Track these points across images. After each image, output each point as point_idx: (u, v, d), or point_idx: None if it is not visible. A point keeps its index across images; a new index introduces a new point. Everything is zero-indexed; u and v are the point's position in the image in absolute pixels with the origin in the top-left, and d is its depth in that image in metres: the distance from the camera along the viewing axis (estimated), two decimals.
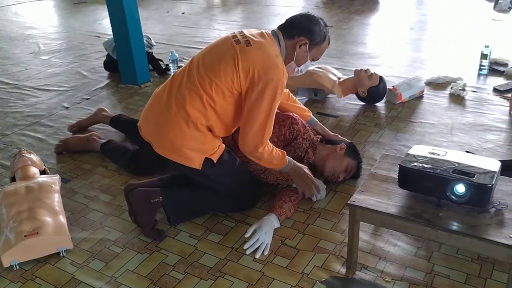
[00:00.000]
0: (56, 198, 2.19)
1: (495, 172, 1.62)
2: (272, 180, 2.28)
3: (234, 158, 2.16)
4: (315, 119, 2.55)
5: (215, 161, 2.05)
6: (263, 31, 2.07)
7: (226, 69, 1.94)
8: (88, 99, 3.61)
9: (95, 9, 6.69)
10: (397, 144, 2.74)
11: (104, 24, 5.54)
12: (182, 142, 2.00)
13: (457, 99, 3.27)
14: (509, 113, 3.02)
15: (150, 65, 3.98)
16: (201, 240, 2.07)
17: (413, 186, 1.71)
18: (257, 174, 2.27)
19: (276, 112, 2.36)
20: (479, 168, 1.64)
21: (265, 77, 1.91)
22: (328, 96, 3.37)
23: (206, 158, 2.02)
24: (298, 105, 2.48)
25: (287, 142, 2.31)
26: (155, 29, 5.49)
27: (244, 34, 2.02)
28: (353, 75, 3.18)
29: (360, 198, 1.75)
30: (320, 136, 2.45)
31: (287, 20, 2.09)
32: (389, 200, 1.73)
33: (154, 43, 4.11)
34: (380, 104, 3.24)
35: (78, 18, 6.31)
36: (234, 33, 2.07)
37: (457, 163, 1.68)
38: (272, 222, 2.06)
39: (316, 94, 3.31)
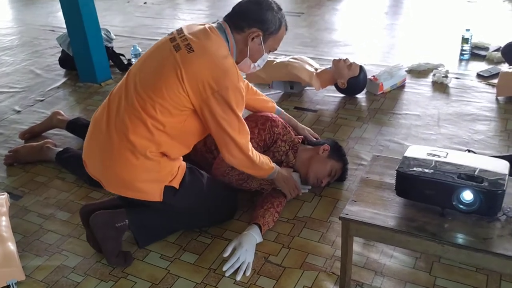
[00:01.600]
0: (4, 222, 1.90)
1: (505, 175, 1.43)
2: (256, 186, 2.04)
3: (200, 175, 1.88)
4: (281, 109, 2.31)
5: (177, 187, 1.76)
6: (207, 26, 1.76)
7: (168, 86, 1.64)
8: (42, 100, 3.27)
9: (49, 0, 6.25)
10: (383, 139, 2.54)
11: (59, 17, 5.10)
12: (132, 176, 1.70)
13: (441, 87, 3.10)
14: (496, 99, 2.88)
15: (110, 61, 3.66)
16: (174, 262, 1.82)
17: (413, 194, 1.51)
18: (239, 184, 2.03)
19: (253, 114, 2.13)
20: (487, 171, 1.45)
21: (218, 87, 1.63)
22: (305, 88, 3.15)
23: (165, 186, 1.74)
24: (260, 97, 2.22)
25: (267, 147, 2.07)
26: (115, 20, 5.13)
27: (184, 36, 1.70)
28: (331, 66, 2.96)
29: (353, 210, 1.54)
30: (301, 136, 2.22)
31: (234, 8, 1.79)
32: (386, 210, 1.53)
33: (114, 37, 3.78)
34: (361, 96, 3.04)
35: (31, 11, 5.87)
36: (172, 33, 1.76)
37: (461, 166, 1.49)
38: (253, 237, 1.83)
39: (293, 87, 3.09)
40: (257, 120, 2.05)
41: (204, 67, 1.63)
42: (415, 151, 1.61)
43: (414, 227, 1.44)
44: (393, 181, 1.64)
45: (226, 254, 1.76)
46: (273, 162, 2.08)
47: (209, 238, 1.93)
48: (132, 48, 3.59)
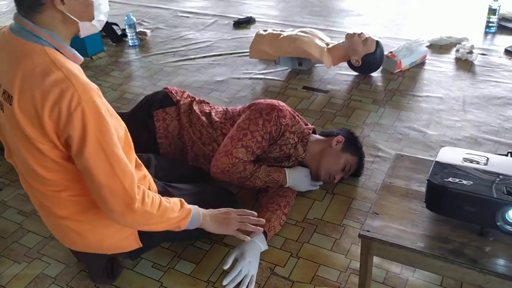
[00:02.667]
0: None
1: None
2: (260, 184, 1.81)
3: (176, 190, 1.61)
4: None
5: None
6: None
7: (29, 151, 1.23)
8: None
9: None
10: (402, 126, 2.28)
11: None
12: (91, 240, 1.41)
13: (465, 64, 2.81)
14: None
15: (102, 32, 3.35)
16: (168, 272, 1.61)
17: (448, 210, 1.27)
18: (241, 182, 1.80)
19: (257, 102, 1.86)
20: None
21: (66, 117, 1.13)
22: (315, 65, 2.86)
23: (138, 231, 1.45)
24: None
25: (273, 140, 1.83)
26: None
27: None
28: (343, 40, 2.67)
29: (375, 226, 1.30)
30: (312, 127, 1.96)
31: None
32: (414, 227, 1.29)
33: None
34: (376, 74, 2.76)
35: None
36: None
37: (507, 176, 1.24)
38: (257, 245, 1.61)
39: (301, 64, 2.80)
40: (261, 110, 1.79)
41: (31, 103, 1.14)
42: (449, 155, 1.37)
43: (449, 251, 1.21)
44: (422, 189, 1.41)
45: (226, 267, 1.55)
46: (279, 156, 1.84)
47: (208, 244, 1.71)
48: (126, 18, 3.29)
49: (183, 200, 1.44)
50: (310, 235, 1.72)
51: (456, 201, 1.23)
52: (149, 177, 1.52)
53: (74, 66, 1.20)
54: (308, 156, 1.87)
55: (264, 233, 1.66)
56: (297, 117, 1.88)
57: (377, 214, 1.35)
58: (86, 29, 1.25)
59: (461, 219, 1.26)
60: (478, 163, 1.31)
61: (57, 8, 1.16)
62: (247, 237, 1.53)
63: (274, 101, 1.83)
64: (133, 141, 1.94)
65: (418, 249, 1.22)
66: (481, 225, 1.24)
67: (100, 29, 1.31)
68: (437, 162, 1.33)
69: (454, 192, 1.22)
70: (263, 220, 1.58)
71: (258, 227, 1.56)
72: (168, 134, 1.94)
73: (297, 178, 1.83)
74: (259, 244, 1.62)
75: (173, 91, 2.04)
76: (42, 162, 1.23)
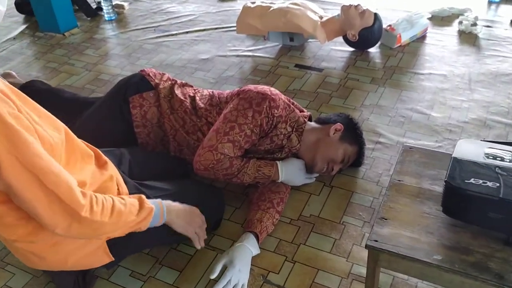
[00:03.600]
0: None
1: None
2: (249, 181, 1.62)
3: (149, 189, 1.40)
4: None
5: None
6: None
7: None
8: None
9: None
10: (403, 108, 2.09)
11: None
12: (55, 260, 1.22)
13: (469, 38, 2.60)
14: None
15: (75, 5, 3.08)
16: (148, 281, 1.43)
17: (470, 216, 1.09)
18: (228, 179, 1.60)
19: (247, 89, 1.64)
20: None
21: None
22: (308, 41, 2.64)
23: (107, 242, 1.26)
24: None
25: (264, 133, 1.62)
26: None
27: None
28: (338, 13, 2.44)
29: (384, 234, 1.13)
30: (308, 114, 1.76)
31: None
32: (429, 235, 1.12)
33: None
34: (374, 50, 2.55)
35: None
36: None
37: None
38: (248, 250, 1.43)
39: (293, 39, 2.58)
40: (251, 99, 1.57)
41: None
42: (468, 149, 1.18)
43: (471, 264, 1.04)
44: (435, 188, 1.24)
45: (213, 276, 1.37)
46: (271, 148, 1.64)
47: (192, 248, 1.52)
48: None
49: (142, 197, 1.24)
50: (307, 236, 1.55)
51: (479, 207, 1.06)
52: (118, 178, 1.32)
53: None
54: (303, 146, 1.67)
55: (255, 235, 1.48)
56: (292, 106, 1.67)
57: (386, 219, 1.17)
58: None
59: (484, 227, 1.09)
60: (502, 159, 1.13)
61: None
62: (202, 244, 1.41)
63: (266, 89, 1.61)
64: (108, 130, 1.72)
65: (435, 263, 1.05)
66: (508, 233, 1.07)
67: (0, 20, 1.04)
68: (455, 159, 1.15)
69: (477, 196, 1.05)
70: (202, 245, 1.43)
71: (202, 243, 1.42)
72: (146, 123, 1.73)
73: (291, 172, 1.64)
74: (250, 248, 1.44)
75: (150, 74, 1.81)
76: None
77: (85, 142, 1.30)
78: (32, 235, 1.13)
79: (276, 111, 1.57)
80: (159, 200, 1.30)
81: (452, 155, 1.16)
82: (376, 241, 1.11)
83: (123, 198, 1.19)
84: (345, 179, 1.75)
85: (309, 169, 1.68)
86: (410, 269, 1.11)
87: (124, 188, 1.32)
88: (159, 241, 1.43)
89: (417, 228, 1.14)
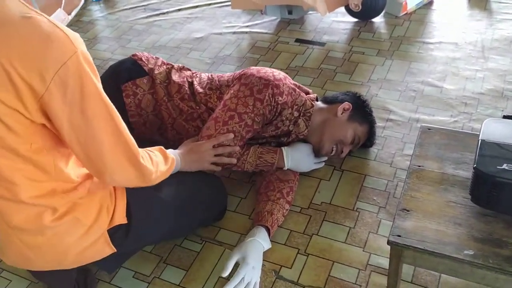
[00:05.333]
0: None
1: None
2: (251, 169, 1.51)
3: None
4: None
5: (125, 221, 1.18)
6: None
7: None
8: None
9: None
10: (414, 81, 1.97)
11: None
12: (57, 256, 1.14)
13: (480, 2, 2.46)
14: None
15: None
16: (153, 283, 1.35)
17: (503, 205, 0.99)
18: (228, 167, 1.50)
19: (249, 73, 1.51)
20: None
21: (53, 68, 0.91)
22: (307, 13, 2.49)
23: (109, 231, 1.16)
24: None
25: (268, 121, 1.51)
26: None
27: None
28: None
29: (407, 228, 1.03)
30: (315, 96, 1.63)
31: None
32: (457, 226, 1.02)
33: None
34: (379, 20, 2.40)
35: None
36: None
37: None
38: (260, 245, 1.34)
39: (291, 12, 2.43)
40: (252, 86, 1.44)
41: (15, 52, 0.90)
42: (496, 130, 1.08)
43: (506, 258, 0.94)
44: (460, 172, 1.14)
45: (225, 274, 1.28)
46: (275, 135, 1.54)
47: (198, 243, 1.44)
48: None
49: (162, 148, 1.25)
50: (319, 225, 1.45)
51: None
52: None
53: None
54: (310, 130, 1.56)
55: (266, 228, 1.38)
56: (297, 90, 1.54)
57: (408, 211, 1.07)
58: None
59: None
60: None
61: None
62: (219, 167, 1.44)
63: (269, 73, 1.47)
64: None
65: (467, 259, 0.96)
66: None
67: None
68: (483, 142, 1.04)
69: (511, 184, 0.94)
70: (237, 148, 1.43)
71: (232, 159, 1.44)
72: (141, 111, 1.60)
73: (298, 158, 1.53)
74: (262, 243, 1.35)
75: (143, 58, 1.67)
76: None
77: None
78: (29, 222, 1.06)
79: (280, 98, 1.44)
80: (171, 150, 1.35)
81: (479, 137, 1.06)
82: (399, 236, 1.01)
83: (150, 150, 1.19)
84: (356, 161, 1.65)
85: (316, 152, 1.57)
86: (438, 265, 1.01)
87: None
88: (163, 235, 1.34)
89: (443, 220, 1.04)
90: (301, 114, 1.53)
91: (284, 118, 1.50)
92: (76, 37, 0.96)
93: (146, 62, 1.66)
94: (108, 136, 1.01)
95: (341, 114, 1.55)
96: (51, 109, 0.94)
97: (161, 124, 1.62)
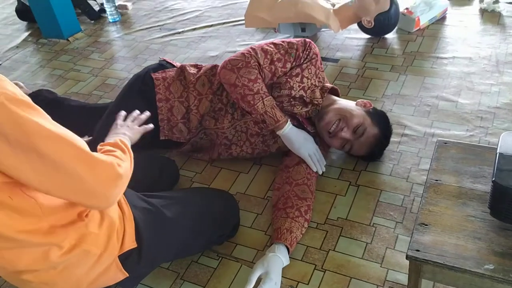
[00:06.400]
0: None
1: None
2: (258, 111, 1.54)
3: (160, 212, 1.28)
4: None
5: (135, 245, 1.18)
6: None
7: None
8: None
9: None
10: (428, 96, 1.97)
11: None
12: (74, 286, 1.14)
13: (492, 16, 2.46)
14: None
15: (77, 9, 2.99)
16: None
17: None
18: (242, 95, 1.53)
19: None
20: None
21: None
22: (321, 30, 2.51)
23: (120, 257, 1.16)
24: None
25: (298, 63, 1.60)
26: None
27: None
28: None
29: (426, 242, 1.02)
30: (330, 85, 1.70)
31: None
32: (476, 240, 1.01)
33: None
34: (392, 36, 2.42)
35: None
36: None
37: None
38: (280, 261, 1.34)
39: (304, 30, 2.46)
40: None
41: None
42: None
43: None
44: (478, 186, 1.13)
45: (250, 287, 1.28)
46: (296, 94, 1.62)
47: (215, 259, 1.44)
48: None
49: (102, 143, 1.18)
50: (336, 241, 1.45)
51: None
52: None
53: None
54: (324, 104, 1.63)
55: (287, 248, 1.38)
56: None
57: (426, 225, 1.06)
58: None
59: None
60: None
61: None
62: (151, 125, 1.43)
63: None
64: (128, 110, 1.61)
65: (488, 273, 0.95)
66: None
67: None
68: (501, 155, 1.04)
69: None
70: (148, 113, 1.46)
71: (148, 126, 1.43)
72: (169, 95, 1.68)
73: (296, 134, 1.58)
74: (282, 259, 1.34)
75: (169, 61, 1.83)
76: None
77: None
78: (40, 261, 1.05)
79: (314, 50, 1.62)
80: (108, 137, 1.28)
81: (497, 151, 1.05)
82: (418, 250, 1.01)
83: (103, 150, 1.12)
84: (372, 176, 1.64)
85: (317, 119, 1.62)
86: (458, 280, 1.00)
87: (121, 196, 1.21)
88: (172, 251, 1.34)
89: (462, 234, 1.03)
90: (319, 86, 1.65)
91: (307, 74, 1.61)
92: None
93: (172, 62, 1.81)
94: (80, 164, 0.93)
95: (361, 106, 1.63)
96: (8, 165, 0.88)
97: (185, 113, 1.68)
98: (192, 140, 1.71)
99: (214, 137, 1.69)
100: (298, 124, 1.63)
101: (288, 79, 1.59)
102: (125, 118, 1.41)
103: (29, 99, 0.90)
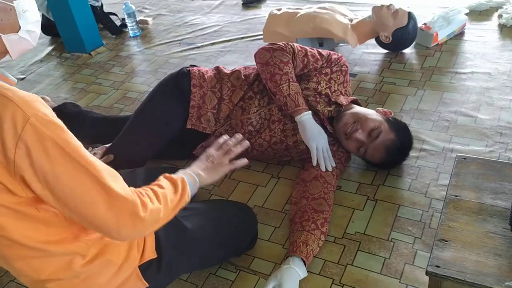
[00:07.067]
0: None
1: None
2: (283, 92, 1.62)
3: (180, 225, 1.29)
4: None
5: (155, 255, 1.20)
6: None
7: None
8: (23, 79, 2.74)
9: None
10: (447, 111, 1.97)
11: None
12: None
13: (511, 32, 2.45)
14: None
15: (100, 24, 3.07)
16: None
17: None
18: (272, 73, 1.63)
19: None
20: None
21: (11, 144, 0.86)
22: (339, 45, 2.53)
23: (140, 267, 1.18)
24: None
25: (327, 63, 1.73)
26: None
27: None
28: (369, 15, 2.33)
29: (446, 258, 1.02)
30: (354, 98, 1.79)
31: None
32: (497, 257, 1.00)
33: None
34: (410, 51, 2.42)
35: None
36: None
37: None
38: (296, 273, 1.34)
39: (322, 44, 2.48)
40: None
41: None
42: None
43: None
44: (499, 202, 1.12)
45: None
46: (321, 90, 1.72)
47: (233, 272, 1.45)
48: (124, 7, 2.98)
49: (165, 175, 1.13)
50: (353, 255, 1.45)
51: None
52: None
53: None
54: (345, 108, 1.69)
55: (303, 261, 1.39)
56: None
57: (446, 241, 1.06)
58: (15, 44, 0.98)
59: None
60: None
61: None
62: (245, 160, 1.31)
63: None
64: (159, 101, 1.76)
65: None
66: None
67: (34, 44, 1.02)
68: None
69: None
70: (246, 143, 1.34)
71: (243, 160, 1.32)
72: (203, 83, 1.76)
73: (311, 123, 1.62)
74: (298, 272, 1.35)
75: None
76: None
77: None
78: (63, 271, 1.07)
79: (346, 63, 1.75)
80: (181, 170, 1.20)
81: None
82: (438, 266, 1.00)
83: (152, 184, 1.09)
84: (390, 191, 1.64)
85: (336, 120, 1.67)
86: None
87: None
88: (197, 264, 1.36)
89: (483, 250, 1.02)
90: (344, 94, 1.74)
91: (335, 78, 1.72)
92: (29, 101, 0.88)
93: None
94: (97, 195, 0.92)
95: (380, 113, 1.67)
96: (29, 183, 0.90)
97: (216, 103, 1.74)
98: (216, 132, 1.74)
99: (239, 127, 1.72)
100: (319, 122, 1.67)
101: (317, 74, 1.71)
102: (220, 147, 1.30)
103: (59, 122, 0.91)
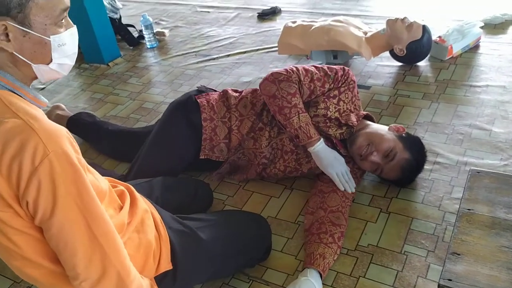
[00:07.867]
0: None
1: None
2: (293, 126, 1.60)
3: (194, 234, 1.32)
4: None
5: (170, 266, 1.22)
6: None
7: None
8: (43, 89, 2.81)
9: None
10: (461, 124, 1.96)
11: None
12: None
13: None
14: None
15: (118, 35, 3.14)
16: None
17: None
18: (280, 107, 1.60)
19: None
20: None
21: (25, 175, 0.88)
22: (353, 58, 2.55)
23: (155, 278, 1.19)
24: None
25: (336, 85, 1.69)
26: None
27: None
28: (384, 28, 2.35)
29: (458, 272, 1.02)
30: (365, 113, 1.77)
31: None
32: (510, 271, 1.00)
33: (120, 5, 3.24)
34: (424, 63, 2.43)
35: None
36: None
37: None
38: (313, 285, 1.35)
39: (336, 57, 2.50)
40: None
41: None
42: None
43: None
44: (511, 217, 1.12)
45: None
46: (331, 116, 1.69)
47: (246, 282, 1.46)
48: (142, 19, 3.05)
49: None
50: (366, 267, 1.45)
51: None
52: (153, 211, 1.27)
53: (36, 110, 0.95)
54: (357, 128, 1.67)
55: (319, 273, 1.39)
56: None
57: (458, 254, 1.06)
58: (45, 73, 1.00)
59: None
60: None
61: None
62: None
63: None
64: (171, 134, 1.76)
65: None
66: None
67: (65, 74, 1.05)
68: None
69: None
70: None
71: None
72: (214, 115, 1.75)
73: (326, 151, 1.62)
74: (315, 284, 1.35)
75: (207, 87, 1.93)
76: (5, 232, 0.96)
77: (115, 180, 1.27)
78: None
79: (352, 77, 1.70)
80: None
81: None
82: (450, 280, 1.01)
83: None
84: (403, 204, 1.64)
85: (349, 142, 1.65)
86: None
87: (158, 218, 1.26)
88: (206, 274, 1.37)
89: (496, 264, 1.02)
90: (355, 112, 1.72)
91: (344, 98, 1.69)
92: (54, 136, 0.90)
93: (212, 89, 1.90)
94: (84, 247, 0.94)
95: (393, 131, 1.65)
96: (31, 212, 0.92)
97: (227, 133, 1.74)
98: (230, 159, 1.76)
99: (252, 157, 1.74)
100: (332, 146, 1.66)
101: (325, 99, 1.67)
102: None
103: (77, 164, 0.92)
